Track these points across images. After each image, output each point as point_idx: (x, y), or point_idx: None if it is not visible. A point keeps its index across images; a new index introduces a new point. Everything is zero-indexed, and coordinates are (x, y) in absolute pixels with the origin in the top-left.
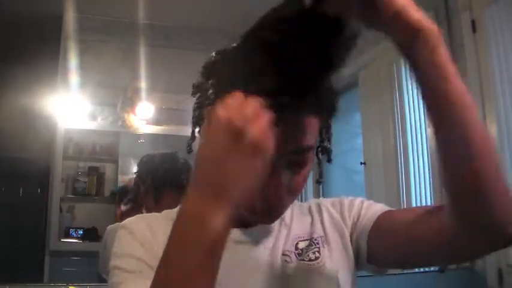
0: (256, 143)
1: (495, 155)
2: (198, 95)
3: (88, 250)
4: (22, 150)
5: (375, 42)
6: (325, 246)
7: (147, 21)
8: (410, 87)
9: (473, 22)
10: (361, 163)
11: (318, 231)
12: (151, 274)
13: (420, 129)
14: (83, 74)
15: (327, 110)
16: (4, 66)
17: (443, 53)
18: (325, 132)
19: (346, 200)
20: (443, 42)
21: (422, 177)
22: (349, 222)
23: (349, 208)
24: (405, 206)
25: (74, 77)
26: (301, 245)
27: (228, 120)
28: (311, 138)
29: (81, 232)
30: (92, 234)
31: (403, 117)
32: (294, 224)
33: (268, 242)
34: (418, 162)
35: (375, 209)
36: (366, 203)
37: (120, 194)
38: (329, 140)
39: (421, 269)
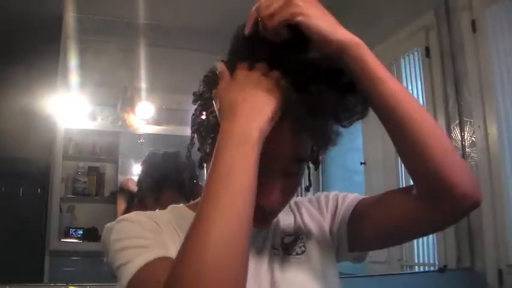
0: (261, 78)
1: (441, 137)
2: (198, 103)
3: (88, 250)
4: (22, 150)
5: (374, 42)
6: (309, 241)
7: (147, 21)
8: (410, 87)
9: (473, 22)
10: (361, 163)
11: (301, 227)
12: (162, 244)
13: None
14: (83, 74)
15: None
16: (4, 66)
17: (370, 60)
18: (317, 149)
19: (322, 196)
20: (368, 50)
21: None
22: (328, 216)
23: (326, 203)
24: None
25: (74, 77)
26: (287, 239)
27: (241, 72)
28: (306, 150)
29: (81, 232)
30: (92, 234)
31: None
32: (280, 221)
33: (260, 239)
34: None
35: (350, 198)
36: (341, 195)
37: (120, 193)
38: (320, 155)
39: (421, 269)
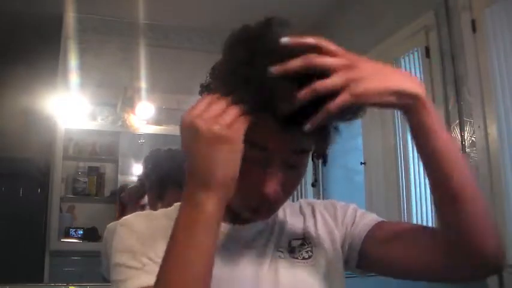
0: (217, 134)
1: (480, 200)
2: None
3: (88, 250)
4: (22, 150)
5: (374, 42)
6: (317, 246)
7: (147, 21)
8: None
9: (473, 22)
10: (361, 163)
11: (311, 232)
12: (155, 268)
13: None
14: (83, 74)
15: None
16: (4, 66)
17: (435, 115)
18: (323, 139)
19: (339, 205)
20: (433, 105)
21: (422, 177)
22: (342, 228)
23: (342, 214)
24: (405, 206)
25: (74, 77)
26: (294, 243)
27: (190, 119)
28: (303, 141)
29: (81, 232)
30: (92, 234)
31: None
32: (287, 223)
33: (262, 238)
34: (418, 162)
35: (367, 219)
36: (359, 211)
37: (120, 194)
38: (326, 147)
39: None
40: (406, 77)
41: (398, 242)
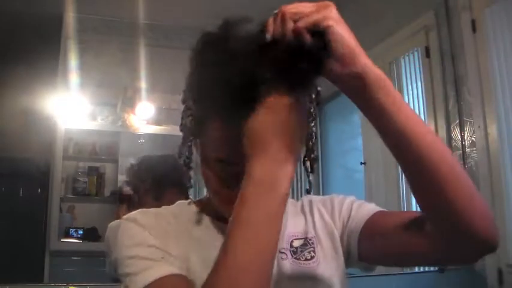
0: (288, 115)
1: (461, 177)
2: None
3: (88, 250)
4: (22, 150)
5: (374, 42)
6: (318, 246)
7: (147, 21)
8: (410, 87)
9: (473, 22)
10: (361, 163)
11: (311, 231)
12: (174, 261)
13: None
14: (83, 74)
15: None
16: (4, 66)
17: (391, 90)
18: (310, 142)
19: (337, 199)
20: (390, 81)
21: None
22: (339, 223)
23: (339, 208)
24: (405, 206)
25: (74, 77)
26: (296, 243)
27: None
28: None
29: (81, 232)
30: (92, 234)
31: None
32: (288, 222)
33: None
34: None
35: (365, 209)
36: (356, 203)
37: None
38: (313, 150)
39: (421, 269)
40: None
41: (391, 235)
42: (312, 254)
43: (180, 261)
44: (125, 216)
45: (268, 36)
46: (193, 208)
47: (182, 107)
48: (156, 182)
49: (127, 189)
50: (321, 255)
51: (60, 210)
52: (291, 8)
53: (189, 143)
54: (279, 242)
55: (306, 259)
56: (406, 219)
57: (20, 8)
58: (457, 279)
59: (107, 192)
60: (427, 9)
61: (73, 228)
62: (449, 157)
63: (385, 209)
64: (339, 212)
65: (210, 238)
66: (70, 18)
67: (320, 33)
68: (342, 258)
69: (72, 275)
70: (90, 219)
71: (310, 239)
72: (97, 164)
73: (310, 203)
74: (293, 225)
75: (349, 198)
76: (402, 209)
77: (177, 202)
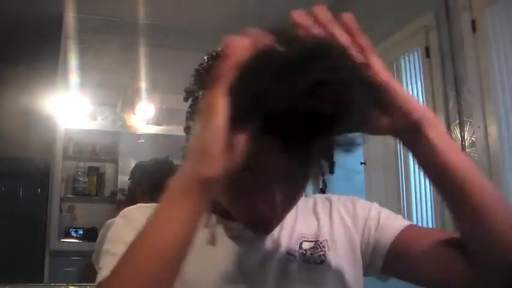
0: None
1: (502, 205)
2: (189, 102)
3: (88, 250)
4: (22, 150)
5: (374, 42)
6: (331, 250)
7: (147, 21)
8: (410, 87)
9: (473, 22)
10: (361, 163)
11: (325, 234)
12: None
13: None
14: (83, 74)
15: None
16: (4, 66)
17: (445, 133)
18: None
19: (359, 204)
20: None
21: (422, 177)
22: (364, 231)
23: (364, 215)
24: (405, 206)
25: (74, 77)
26: (306, 245)
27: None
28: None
29: (81, 232)
30: (92, 234)
31: None
32: (298, 222)
33: (270, 239)
34: None
35: (393, 223)
36: (383, 214)
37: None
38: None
39: None
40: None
41: (425, 256)
42: (323, 257)
43: None
44: (122, 211)
45: None
46: None
47: (182, 107)
48: (151, 186)
49: (121, 196)
50: (333, 259)
51: (60, 210)
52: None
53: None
54: (287, 242)
55: (316, 262)
56: (439, 242)
57: (20, 8)
58: None
59: (106, 192)
60: (427, 9)
61: (73, 228)
62: (493, 192)
63: (412, 223)
64: (364, 220)
65: (204, 235)
66: (70, 18)
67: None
68: (360, 268)
69: (72, 275)
70: (90, 219)
71: (321, 243)
72: (97, 164)
73: (330, 203)
74: (304, 226)
75: (374, 206)
76: (402, 209)
77: None
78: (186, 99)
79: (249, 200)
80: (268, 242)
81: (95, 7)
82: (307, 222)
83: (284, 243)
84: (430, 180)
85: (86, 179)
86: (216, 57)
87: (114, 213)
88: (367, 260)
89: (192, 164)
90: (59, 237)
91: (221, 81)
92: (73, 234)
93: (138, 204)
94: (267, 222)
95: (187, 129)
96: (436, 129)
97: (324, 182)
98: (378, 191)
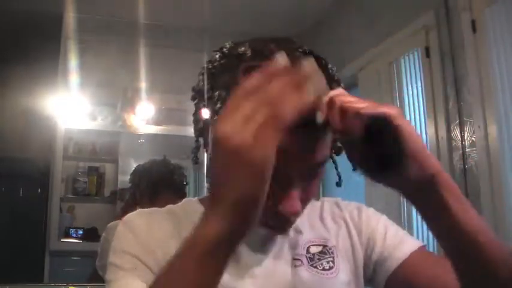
0: (256, 159)
1: (506, 256)
2: (196, 100)
3: (88, 250)
4: (22, 150)
5: (374, 42)
6: (339, 257)
7: (147, 21)
8: (410, 87)
9: (473, 22)
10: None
11: (332, 240)
12: (144, 272)
13: (420, 129)
14: (83, 74)
15: None
16: (4, 66)
17: (459, 195)
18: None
19: (365, 214)
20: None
21: None
22: (366, 243)
23: (369, 228)
24: (405, 207)
25: (74, 77)
26: (313, 249)
27: (226, 136)
28: (325, 151)
29: (81, 232)
30: (92, 234)
31: None
32: (305, 225)
33: (276, 244)
34: None
35: (400, 244)
36: (391, 230)
37: (121, 196)
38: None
39: None
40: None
41: (428, 285)
42: (331, 264)
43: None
44: (124, 218)
45: (320, 119)
46: (201, 208)
47: (182, 107)
48: (150, 186)
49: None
50: (342, 268)
51: (60, 210)
52: (345, 96)
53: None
54: (294, 246)
55: (324, 269)
56: (444, 278)
57: (20, 7)
58: None
59: (106, 192)
60: (427, 9)
61: (73, 228)
62: (495, 239)
63: (421, 244)
64: (370, 232)
65: None
66: (70, 18)
67: (382, 130)
68: (360, 275)
69: (72, 275)
70: (90, 219)
71: (330, 248)
72: (97, 164)
73: (339, 209)
74: (311, 230)
75: (382, 220)
76: (402, 209)
77: (184, 200)
78: (194, 98)
79: (269, 199)
80: (273, 247)
81: (95, 7)
82: (314, 226)
83: (290, 248)
84: (435, 236)
85: (86, 179)
86: (228, 56)
87: (119, 213)
88: (368, 274)
89: (227, 216)
90: (59, 237)
91: (272, 131)
92: (73, 234)
93: (139, 210)
94: (286, 220)
95: (199, 132)
96: (451, 189)
97: (339, 175)
98: (377, 191)
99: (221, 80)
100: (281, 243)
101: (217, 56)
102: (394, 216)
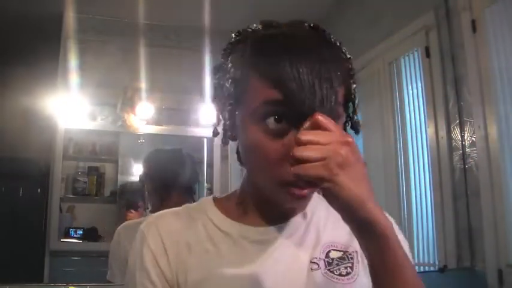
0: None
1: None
2: (217, 75)
3: (88, 250)
4: (22, 150)
5: (374, 42)
6: (360, 262)
7: (147, 21)
8: (410, 87)
9: (473, 22)
10: None
11: (355, 245)
12: None
13: (420, 129)
14: (83, 74)
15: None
16: (4, 66)
17: (393, 253)
18: (351, 105)
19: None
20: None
21: (422, 177)
22: None
23: None
24: (405, 206)
25: (74, 77)
26: (334, 254)
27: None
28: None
29: (81, 232)
30: (91, 234)
31: (403, 116)
32: (327, 228)
33: (292, 242)
34: (418, 162)
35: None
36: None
37: (121, 195)
38: (355, 112)
39: (421, 269)
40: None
41: None
42: (349, 270)
43: None
44: (142, 228)
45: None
46: (217, 212)
47: (182, 107)
48: (164, 184)
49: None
50: (361, 273)
51: (60, 210)
52: (307, 135)
53: (229, 107)
54: (312, 251)
55: (341, 274)
56: None
57: (20, 7)
58: (457, 279)
59: (106, 192)
60: (427, 9)
61: (73, 228)
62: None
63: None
64: None
65: (236, 255)
66: (70, 18)
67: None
68: None
69: (72, 275)
70: (90, 219)
71: (350, 254)
72: (97, 164)
73: None
74: (333, 233)
75: (395, 227)
76: (402, 209)
77: (201, 199)
78: (214, 74)
79: (282, 157)
80: (290, 246)
81: (95, 7)
82: (337, 228)
83: (309, 248)
84: (371, 274)
85: (86, 179)
86: (242, 33)
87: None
88: None
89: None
90: (59, 237)
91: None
92: (73, 234)
93: (159, 216)
94: (301, 195)
95: (220, 103)
96: (388, 237)
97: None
98: (378, 190)
99: (235, 55)
100: (298, 241)
101: (233, 34)
102: (393, 214)
